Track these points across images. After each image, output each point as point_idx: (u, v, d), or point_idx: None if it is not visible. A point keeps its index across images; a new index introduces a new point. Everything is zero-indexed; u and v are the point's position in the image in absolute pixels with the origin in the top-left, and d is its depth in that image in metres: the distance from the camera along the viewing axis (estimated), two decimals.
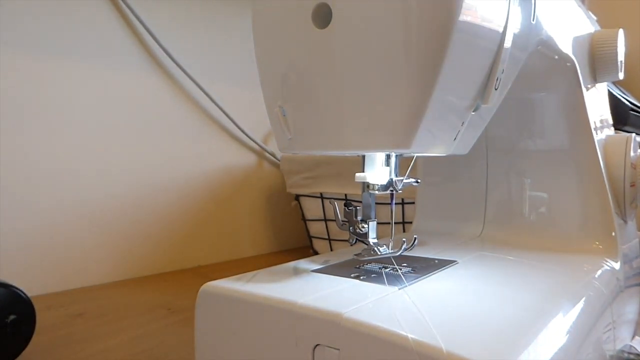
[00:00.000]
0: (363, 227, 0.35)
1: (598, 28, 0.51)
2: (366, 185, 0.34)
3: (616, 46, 0.47)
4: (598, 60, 0.48)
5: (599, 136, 0.46)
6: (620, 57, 0.48)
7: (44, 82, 0.65)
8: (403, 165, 0.35)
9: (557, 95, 0.45)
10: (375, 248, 0.35)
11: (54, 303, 0.60)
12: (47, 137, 0.66)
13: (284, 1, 0.30)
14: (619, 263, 0.42)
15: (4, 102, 0.62)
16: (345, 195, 0.79)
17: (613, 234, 0.43)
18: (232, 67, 0.89)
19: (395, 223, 0.68)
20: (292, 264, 0.38)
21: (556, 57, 0.41)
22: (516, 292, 0.32)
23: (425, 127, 0.28)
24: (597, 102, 0.49)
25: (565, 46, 0.41)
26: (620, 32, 0.47)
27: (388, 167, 0.33)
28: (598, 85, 0.50)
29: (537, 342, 0.24)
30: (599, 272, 0.39)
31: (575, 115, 0.45)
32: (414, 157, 0.36)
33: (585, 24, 0.47)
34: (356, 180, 0.33)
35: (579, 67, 0.43)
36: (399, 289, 0.30)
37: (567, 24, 0.42)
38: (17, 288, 0.40)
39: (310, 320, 0.26)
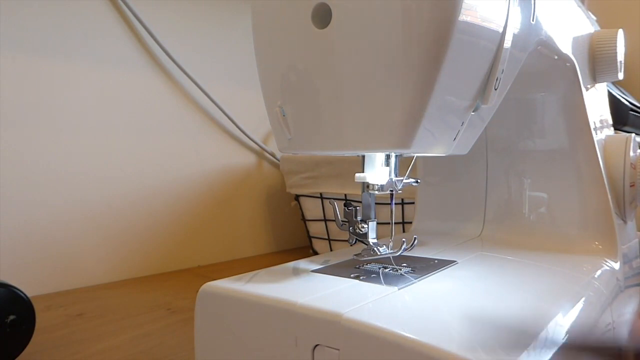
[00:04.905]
0: (363, 227, 0.35)
1: (598, 28, 0.51)
2: (366, 185, 0.34)
3: (616, 46, 0.47)
4: (598, 60, 0.48)
5: (598, 136, 0.46)
6: (620, 57, 0.48)
7: (43, 82, 0.65)
8: (403, 165, 0.35)
9: (556, 95, 0.45)
10: (375, 248, 0.35)
11: (54, 303, 0.60)
12: (47, 137, 0.66)
13: (283, 1, 0.30)
14: (618, 263, 0.42)
15: (2, 101, 0.61)
16: (345, 195, 0.79)
17: (613, 234, 0.43)
18: (232, 67, 0.89)
19: (395, 223, 0.68)
20: (292, 264, 0.38)
21: (556, 57, 0.41)
22: (516, 292, 0.32)
23: (425, 127, 0.28)
24: (596, 102, 0.49)
25: (565, 46, 0.41)
26: (620, 32, 0.47)
27: (388, 167, 0.33)
28: (598, 85, 0.50)
29: (537, 342, 0.24)
30: (599, 272, 0.39)
31: (575, 115, 0.45)
32: (414, 157, 0.36)
33: (584, 24, 0.47)
34: (356, 180, 0.33)
35: (579, 67, 0.43)
36: (399, 289, 0.30)
37: (567, 24, 0.42)
38: (16, 288, 0.40)
39: (310, 320, 0.26)
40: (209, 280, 0.32)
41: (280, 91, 0.31)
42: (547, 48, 0.38)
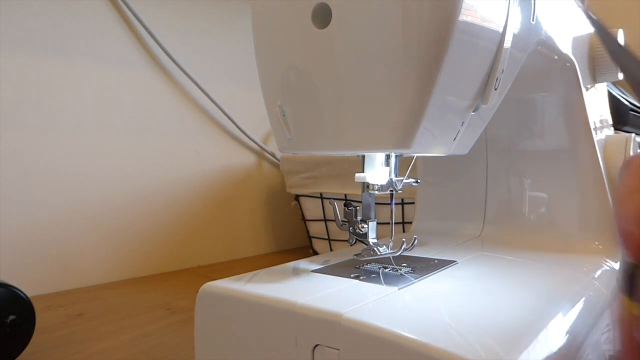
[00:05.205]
0: (363, 227, 0.35)
1: None
2: (366, 186, 0.34)
3: None
4: (597, 60, 0.48)
5: (598, 136, 0.46)
6: None
7: (43, 82, 0.65)
8: (403, 165, 0.35)
9: (556, 95, 0.45)
10: (375, 248, 0.35)
11: (54, 303, 0.60)
12: (47, 137, 0.66)
13: (283, 1, 0.30)
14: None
15: (2, 101, 0.61)
16: (345, 195, 0.79)
17: (613, 234, 0.43)
18: (232, 67, 0.89)
19: (395, 223, 0.68)
20: (292, 264, 0.38)
21: (556, 57, 0.41)
22: (516, 292, 0.32)
23: (425, 127, 0.28)
24: (596, 102, 0.49)
25: (565, 46, 0.41)
26: (620, 32, 0.47)
27: (388, 167, 0.33)
28: (597, 85, 0.50)
29: (537, 342, 0.24)
30: (599, 272, 0.39)
31: (575, 115, 0.45)
32: (414, 157, 0.36)
33: (584, 24, 0.47)
34: (356, 180, 0.33)
35: (579, 67, 0.44)
36: (399, 289, 0.30)
37: (567, 24, 0.42)
38: (16, 288, 0.40)
39: (310, 320, 0.26)
40: (209, 280, 0.32)
41: (280, 91, 0.31)
42: (547, 48, 0.38)
